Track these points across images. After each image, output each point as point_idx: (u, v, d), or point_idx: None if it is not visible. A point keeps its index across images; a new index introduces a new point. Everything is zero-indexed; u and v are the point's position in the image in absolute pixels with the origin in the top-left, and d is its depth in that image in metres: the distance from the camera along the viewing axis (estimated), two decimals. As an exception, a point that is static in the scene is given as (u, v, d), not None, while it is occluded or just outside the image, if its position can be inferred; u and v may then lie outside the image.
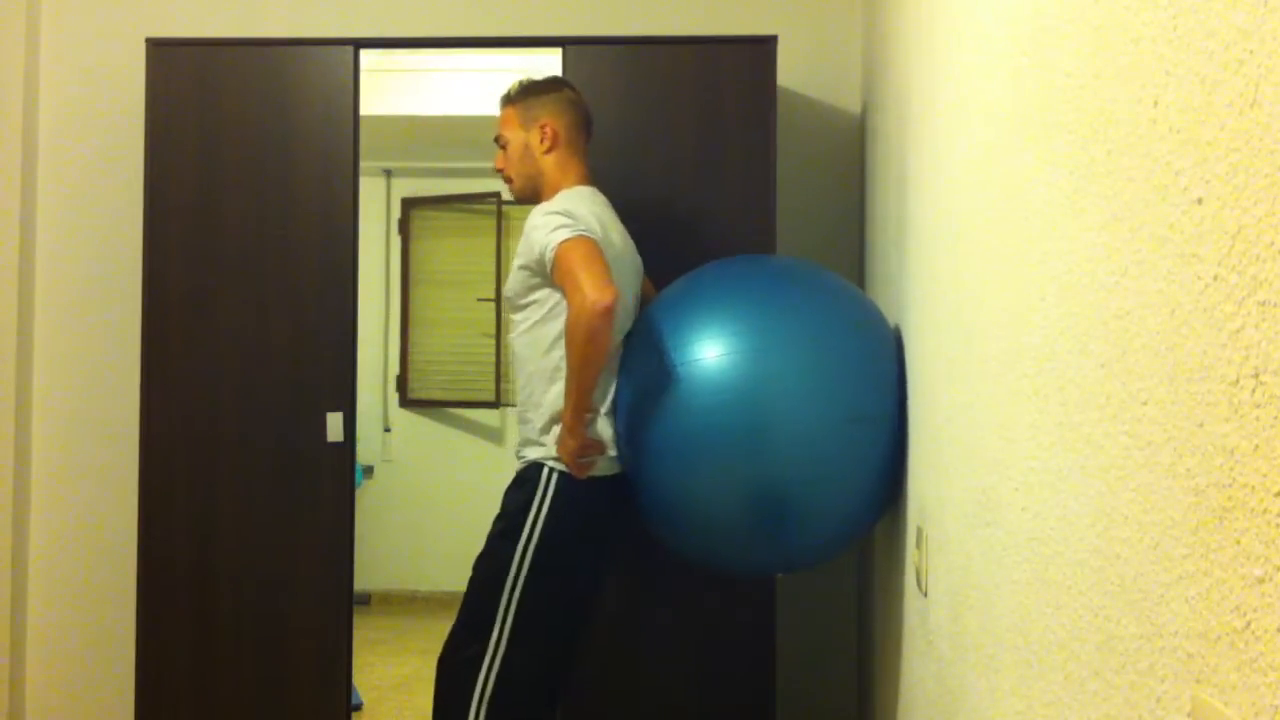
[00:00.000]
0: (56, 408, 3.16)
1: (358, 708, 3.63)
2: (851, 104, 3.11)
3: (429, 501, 5.23)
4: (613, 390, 2.26)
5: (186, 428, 2.83)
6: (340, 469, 2.81)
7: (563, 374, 2.22)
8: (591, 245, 2.16)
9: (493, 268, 5.20)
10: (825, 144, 3.10)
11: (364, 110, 2.88)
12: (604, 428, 2.25)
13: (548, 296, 2.24)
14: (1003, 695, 1.34)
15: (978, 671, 1.47)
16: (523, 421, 2.32)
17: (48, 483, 3.16)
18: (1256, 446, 0.72)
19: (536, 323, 2.27)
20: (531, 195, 2.38)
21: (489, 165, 2.46)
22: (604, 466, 2.25)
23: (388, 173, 5.28)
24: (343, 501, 2.82)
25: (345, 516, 2.82)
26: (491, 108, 4.02)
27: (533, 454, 2.26)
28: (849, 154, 3.10)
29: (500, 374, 5.20)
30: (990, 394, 1.42)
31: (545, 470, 2.23)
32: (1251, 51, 0.73)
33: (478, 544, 2.28)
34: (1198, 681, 0.79)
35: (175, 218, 2.84)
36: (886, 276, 2.49)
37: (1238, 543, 0.74)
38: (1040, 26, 1.22)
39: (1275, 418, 0.69)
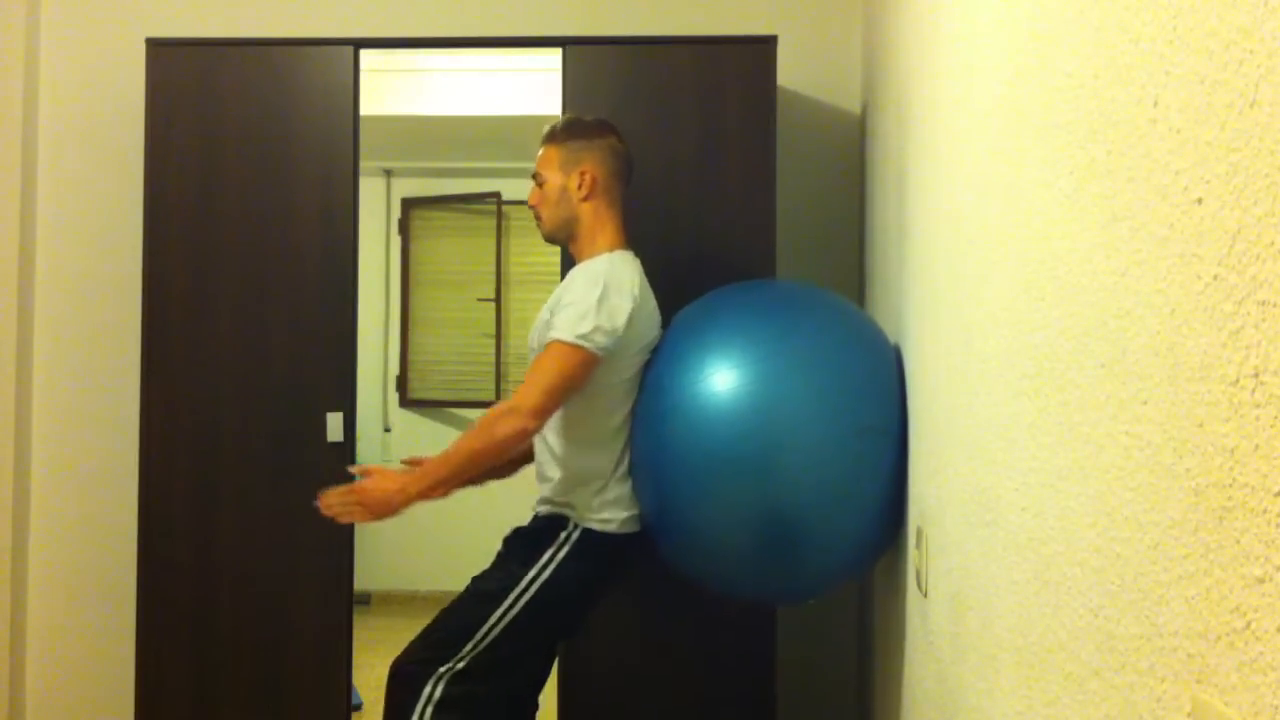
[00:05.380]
0: (56, 408, 3.16)
1: (358, 708, 3.63)
2: (851, 104, 3.11)
3: (429, 501, 5.22)
4: (628, 456, 2.25)
5: (186, 428, 2.83)
6: (340, 468, 2.81)
7: (592, 442, 2.22)
8: (580, 366, 2.14)
9: (493, 268, 5.20)
10: (825, 144, 3.10)
11: (364, 110, 2.88)
12: (621, 489, 2.24)
13: None
14: (1003, 695, 1.34)
15: (978, 671, 1.47)
16: (542, 479, 2.30)
17: (48, 483, 3.16)
18: (1256, 446, 0.72)
19: None
20: (562, 239, 2.36)
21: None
22: (626, 525, 2.24)
23: (388, 173, 5.28)
24: (343, 501, 2.82)
25: (345, 516, 2.82)
26: (491, 107, 4.03)
27: (562, 501, 2.24)
28: (849, 154, 3.10)
29: (500, 374, 5.20)
30: (990, 394, 1.42)
31: (570, 523, 2.22)
32: (1251, 51, 0.73)
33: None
34: (1198, 681, 0.79)
35: (175, 217, 2.84)
36: (886, 277, 2.49)
37: (1238, 543, 0.74)
38: (1040, 26, 1.22)
39: (1275, 418, 0.69)
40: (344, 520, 2.19)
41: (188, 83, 2.85)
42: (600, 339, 2.14)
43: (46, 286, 3.17)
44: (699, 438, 2.09)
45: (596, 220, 2.31)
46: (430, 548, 5.10)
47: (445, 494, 2.19)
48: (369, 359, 5.10)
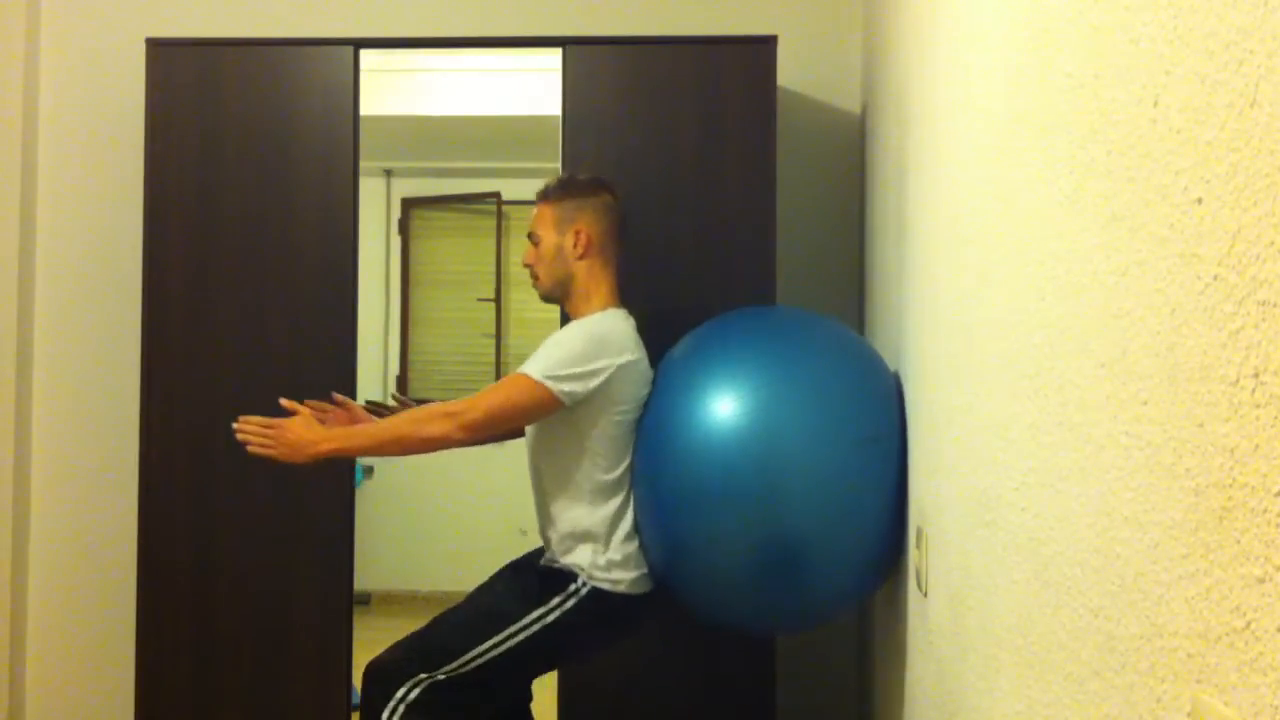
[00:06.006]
0: (56, 408, 3.16)
1: (358, 708, 3.63)
2: (851, 104, 3.11)
3: (429, 501, 5.23)
4: (630, 514, 2.24)
5: (186, 428, 2.82)
6: (340, 469, 2.81)
7: (585, 498, 2.22)
8: (536, 404, 2.15)
9: (493, 268, 5.21)
10: (825, 144, 3.10)
11: (364, 110, 2.88)
12: (627, 549, 2.23)
13: (569, 409, 2.21)
14: (1003, 695, 1.34)
15: (978, 671, 1.47)
16: (543, 534, 2.30)
17: (48, 483, 3.16)
18: (1256, 446, 0.72)
19: (560, 432, 2.24)
20: (559, 297, 2.36)
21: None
22: (635, 585, 2.23)
23: (388, 173, 5.28)
24: (343, 501, 2.82)
25: (345, 516, 2.82)
26: (491, 107, 4.03)
27: (567, 561, 2.24)
28: (849, 154, 3.10)
29: (500, 374, 5.20)
30: (990, 394, 1.42)
31: (580, 580, 2.21)
32: (1251, 51, 0.73)
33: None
34: (1198, 681, 0.79)
35: (175, 218, 2.84)
36: (886, 277, 2.49)
37: (1238, 543, 0.74)
38: (1040, 26, 1.22)
39: (1275, 418, 0.69)
40: (253, 451, 2.20)
41: (188, 83, 2.85)
42: (569, 386, 2.15)
43: (46, 286, 3.17)
44: (700, 468, 2.08)
45: (591, 279, 2.32)
46: (430, 548, 5.10)
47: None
48: (369, 359, 5.09)
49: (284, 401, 2.27)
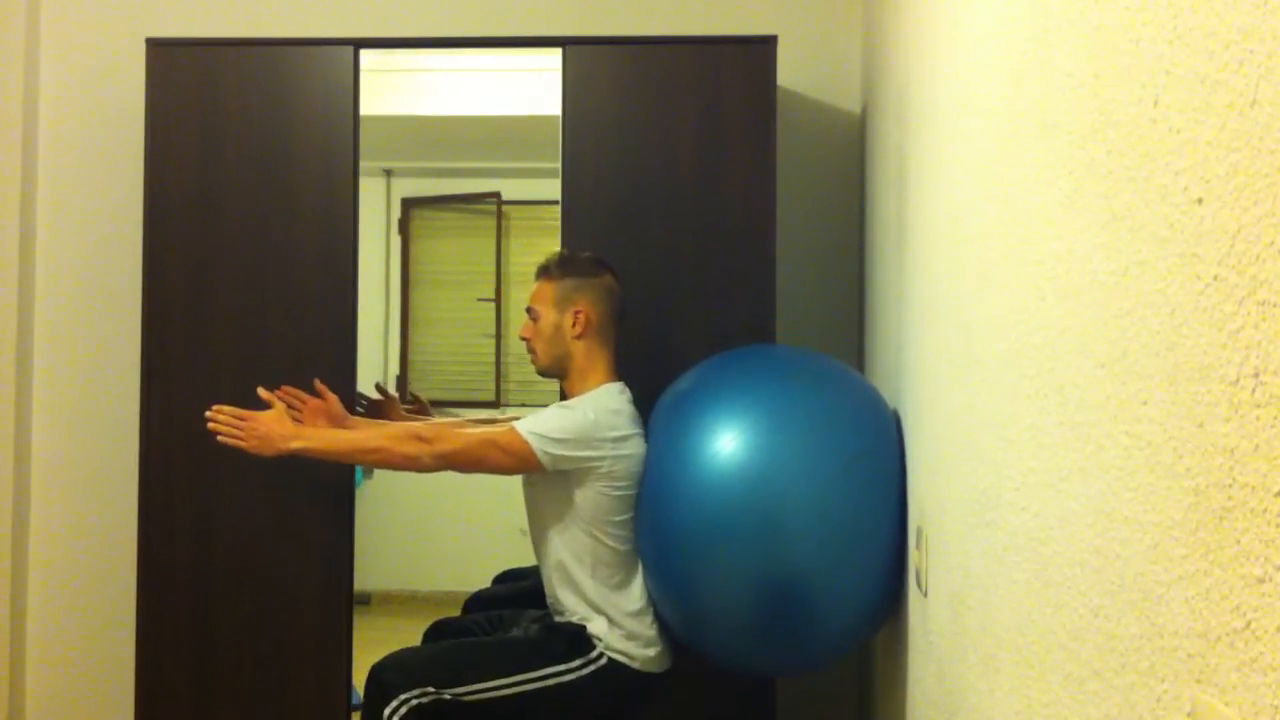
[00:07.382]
0: (56, 408, 3.16)
1: (358, 708, 3.63)
2: (851, 104, 3.11)
3: (429, 501, 5.22)
4: (639, 588, 2.25)
5: (186, 428, 2.82)
6: (340, 469, 2.81)
7: (592, 562, 2.23)
8: (516, 458, 2.18)
9: (493, 268, 5.20)
10: (825, 144, 3.10)
11: (364, 110, 2.88)
12: (637, 625, 2.25)
13: (563, 482, 2.23)
14: (1003, 695, 1.34)
15: (978, 671, 1.47)
16: (555, 595, 2.30)
17: (48, 483, 3.16)
18: (1256, 446, 0.72)
19: (557, 507, 2.26)
20: (555, 374, 2.38)
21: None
22: (648, 664, 2.24)
23: (388, 173, 5.28)
24: (343, 501, 2.82)
25: (345, 516, 2.82)
26: (491, 107, 4.03)
27: (589, 627, 2.25)
28: (849, 154, 3.10)
29: (500, 374, 5.20)
30: (990, 394, 1.42)
31: (598, 651, 2.23)
32: (1251, 51, 0.73)
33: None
34: (1198, 681, 0.79)
35: (175, 218, 2.84)
36: (886, 277, 2.49)
37: (1238, 543, 0.74)
38: (1040, 26, 1.22)
39: (1275, 418, 0.69)
40: (224, 441, 2.24)
41: (188, 83, 2.85)
42: (553, 450, 2.18)
43: (46, 286, 3.17)
44: (700, 510, 2.08)
45: (588, 360, 2.33)
46: (430, 548, 5.10)
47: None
48: (369, 359, 5.09)
49: (261, 392, 2.28)
